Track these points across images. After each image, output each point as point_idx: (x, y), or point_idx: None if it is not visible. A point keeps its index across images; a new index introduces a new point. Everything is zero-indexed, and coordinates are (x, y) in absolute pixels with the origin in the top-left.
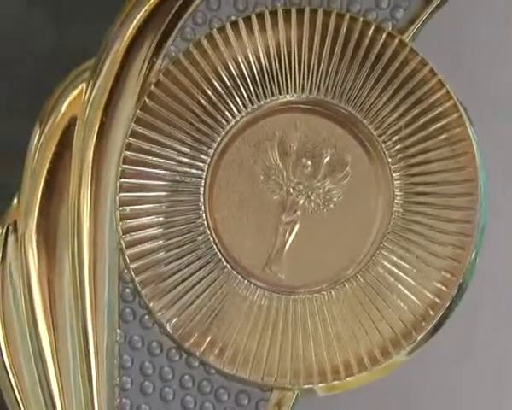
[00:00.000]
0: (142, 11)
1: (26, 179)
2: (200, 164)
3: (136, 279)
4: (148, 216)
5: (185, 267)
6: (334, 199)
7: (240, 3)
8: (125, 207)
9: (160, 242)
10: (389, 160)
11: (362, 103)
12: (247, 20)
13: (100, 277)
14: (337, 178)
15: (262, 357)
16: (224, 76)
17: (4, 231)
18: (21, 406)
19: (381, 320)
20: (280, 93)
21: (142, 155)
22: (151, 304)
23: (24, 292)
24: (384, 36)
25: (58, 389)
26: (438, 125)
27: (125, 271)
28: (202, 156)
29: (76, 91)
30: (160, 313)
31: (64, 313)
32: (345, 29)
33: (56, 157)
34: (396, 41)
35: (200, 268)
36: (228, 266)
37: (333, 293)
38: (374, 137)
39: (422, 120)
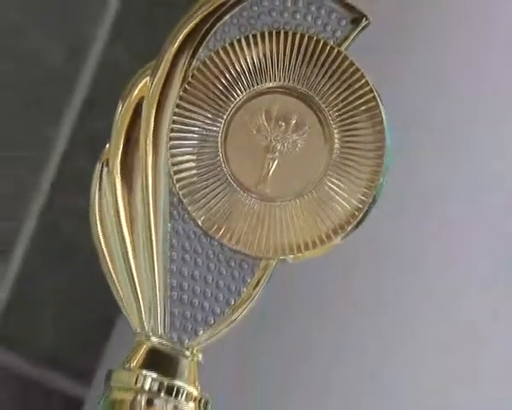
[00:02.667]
0: (185, 31)
1: (114, 135)
2: (218, 124)
3: (180, 192)
4: (186, 155)
5: (209, 186)
6: (298, 145)
7: (242, 29)
8: (173, 150)
9: (194, 171)
10: (331, 122)
11: (315, 88)
12: (247, 37)
13: (158, 194)
14: (299, 133)
15: (256, 239)
16: (232, 71)
17: (100, 165)
18: (116, 282)
19: (327, 218)
20: (265, 81)
21: (183, 119)
22: (189, 208)
23: (113, 208)
24: (328, 48)
25: (135, 267)
26: (360, 101)
27: (173, 188)
28: (219, 119)
29: (143, 81)
30: (193, 213)
31: (137, 220)
32: (305, 43)
33: (131, 121)
34: (335, 50)
35: (219, 186)
36: (235, 185)
37: (297, 201)
38: (322, 108)
39: (351, 98)
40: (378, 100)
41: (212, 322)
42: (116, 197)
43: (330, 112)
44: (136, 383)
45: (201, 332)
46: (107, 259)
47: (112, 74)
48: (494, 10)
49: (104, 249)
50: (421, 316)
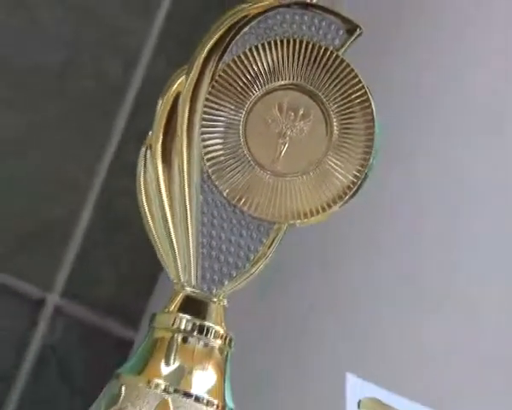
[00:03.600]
0: (213, 39)
1: (155, 124)
2: (240, 115)
3: (209, 170)
4: (214, 140)
5: (233, 164)
6: (304, 131)
7: (259, 37)
8: (204, 136)
9: (220, 152)
10: (331, 113)
11: (318, 85)
12: (263, 45)
13: (191, 171)
14: (305, 122)
15: (270, 208)
16: (251, 72)
17: (145, 149)
18: (158, 243)
19: (327, 190)
20: (278, 80)
21: (212, 110)
22: (216, 182)
23: (155, 183)
24: (329, 52)
25: (173, 230)
26: (354, 95)
27: (204, 167)
28: (241, 111)
29: (180, 80)
30: (220, 187)
31: (174, 192)
32: (310, 49)
33: (170, 112)
34: (334, 55)
35: (240, 165)
36: (253, 164)
37: (304, 177)
38: (324, 101)
39: (347, 93)
40: (369, 95)
41: (235, 275)
42: (157, 174)
43: (330, 104)
44: (173, 324)
45: (226, 283)
46: (151, 224)
47: (156, 81)
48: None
49: (148, 216)
50: None
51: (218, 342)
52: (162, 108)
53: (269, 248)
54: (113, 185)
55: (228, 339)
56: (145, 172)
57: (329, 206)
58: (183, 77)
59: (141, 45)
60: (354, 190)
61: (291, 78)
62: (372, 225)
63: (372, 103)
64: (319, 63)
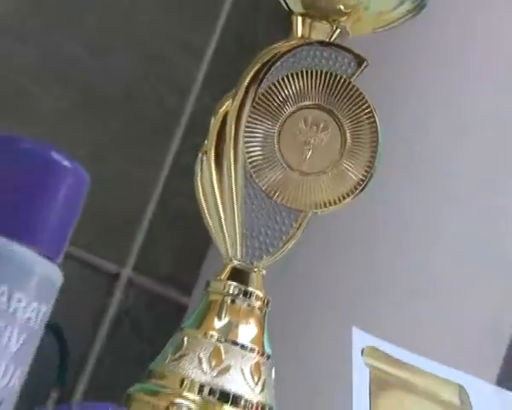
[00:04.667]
0: (253, 70)
1: (209, 135)
2: (274, 128)
3: (251, 170)
4: (255, 147)
5: (269, 166)
6: (324, 140)
7: (289, 69)
8: (247, 145)
9: (260, 156)
10: (345, 126)
11: (335, 105)
12: (292, 74)
13: (237, 171)
14: (325, 133)
15: (298, 199)
16: (282, 95)
17: (201, 155)
18: (211, 225)
19: (342, 186)
20: (303, 101)
21: (253, 125)
22: (256, 180)
23: (209, 180)
24: (343, 80)
25: (223, 216)
26: (363, 113)
27: (247, 167)
28: (275, 125)
29: (227, 102)
30: (259, 183)
31: (224, 187)
32: (328, 77)
33: (220, 126)
34: (347, 82)
35: (275, 166)
36: (285, 165)
37: (324, 175)
38: (339, 117)
39: (357, 112)
40: (374, 112)
41: (271, 251)
42: (211, 173)
43: (344, 120)
44: (224, 289)
45: (264, 257)
46: (206, 212)
47: (203, 108)
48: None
49: (204, 205)
50: None
51: (258, 303)
52: (214, 123)
53: (297, 230)
54: (171, 187)
55: (266, 301)
56: (202, 172)
57: (344, 198)
58: (230, 100)
59: (192, 79)
60: (363, 185)
61: (314, 99)
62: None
63: (376, 119)
64: (335, 88)
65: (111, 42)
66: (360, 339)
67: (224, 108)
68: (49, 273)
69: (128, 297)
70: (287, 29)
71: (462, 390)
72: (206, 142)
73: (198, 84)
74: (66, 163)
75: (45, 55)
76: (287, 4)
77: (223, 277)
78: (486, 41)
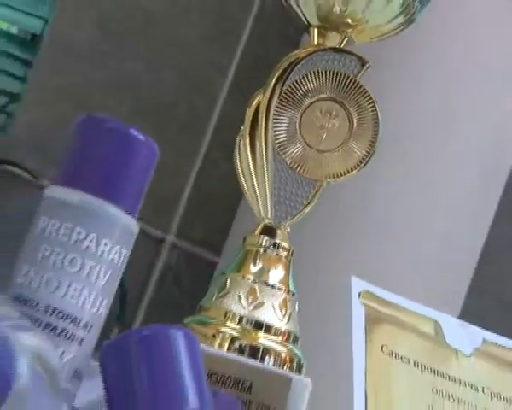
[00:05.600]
0: (279, 71)
1: (245, 122)
2: (297, 116)
3: (278, 149)
4: (281, 131)
5: (293, 145)
6: (336, 125)
7: (306, 69)
8: (275, 129)
9: (284, 137)
10: (352, 114)
11: (345, 97)
12: (310, 73)
13: (268, 151)
14: (336, 119)
15: (316, 171)
16: (302, 90)
17: (238, 139)
18: (247, 192)
19: (350, 161)
20: (319, 95)
21: (279, 114)
22: (283, 156)
23: (245, 159)
24: (350, 78)
25: (256, 184)
26: (367, 104)
27: (275, 147)
28: (297, 114)
29: (258, 96)
30: (285, 159)
31: (257, 163)
32: (339, 76)
33: (254, 115)
34: (354, 80)
35: (297, 145)
36: (305, 145)
37: (335, 152)
38: (347, 107)
39: (362, 103)
40: (375, 103)
41: (294, 212)
42: (247, 152)
43: (352, 109)
44: (257, 242)
45: (289, 217)
46: (243, 182)
47: (231, 111)
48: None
49: (242, 177)
50: None
51: (285, 252)
52: (249, 113)
53: (314, 196)
54: (204, 172)
55: (291, 251)
56: (239, 152)
57: (352, 170)
58: (261, 95)
59: (219, 89)
60: (366, 161)
61: (327, 93)
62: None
63: (377, 108)
64: (345, 84)
65: (161, 61)
66: (357, 285)
67: (255, 101)
68: (129, 224)
69: (171, 257)
70: (294, 47)
71: (436, 324)
72: (242, 128)
73: (224, 93)
74: (141, 137)
75: (111, 72)
76: (306, 19)
77: (256, 232)
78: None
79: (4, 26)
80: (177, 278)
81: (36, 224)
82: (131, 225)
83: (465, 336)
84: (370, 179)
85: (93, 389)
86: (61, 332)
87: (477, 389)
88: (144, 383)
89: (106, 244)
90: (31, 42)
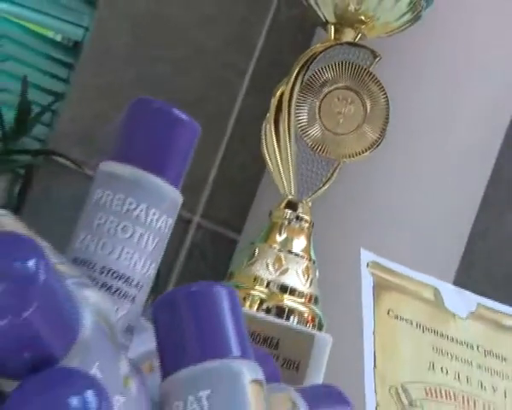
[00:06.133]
0: (301, 63)
1: (271, 109)
2: (317, 103)
3: (300, 132)
4: (302, 116)
5: (313, 128)
6: (351, 111)
7: (324, 61)
8: (297, 114)
9: (306, 121)
10: (366, 101)
11: (359, 85)
12: (328, 65)
13: (291, 133)
14: (352, 105)
15: (334, 151)
16: (321, 80)
17: (264, 124)
18: (272, 169)
19: (364, 142)
20: (336, 84)
21: (301, 102)
22: (304, 138)
23: (270, 140)
24: (364, 68)
25: (280, 162)
26: (378, 92)
27: (297, 130)
28: (316, 101)
29: (283, 86)
30: (307, 140)
31: (281, 144)
32: (353, 67)
33: (278, 103)
34: (367, 70)
35: (317, 128)
36: (324, 128)
37: (351, 135)
38: (362, 95)
39: (374, 91)
40: (385, 91)
41: (315, 188)
42: (272, 135)
43: (365, 96)
44: (282, 215)
45: (310, 193)
46: (269, 162)
47: (250, 105)
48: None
49: (267, 158)
50: None
51: (307, 224)
52: (273, 101)
53: (332, 174)
54: (227, 159)
55: (312, 223)
56: (265, 135)
57: (365, 151)
58: (284, 85)
59: (239, 89)
60: (378, 143)
61: (343, 82)
62: None
63: (387, 95)
64: (359, 74)
65: (187, 64)
66: (366, 256)
67: (279, 91)
68: (174, 196)
69: (197, 236)
70: (304, 51)
71: (436, 291)
72: (268, 115)
73: (242, 92)
74: (184, 117)
75: (143, 73)
76: (324, 16)
77: (281, 207)
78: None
79: (50, 33)
80: (202, 254)
81: (91, 196)
82: (176, 196)
83: (461, 301)
84: (378, 158)
85: (143, 343)
86: (116, 291)
87: (472, 348)
88: (192, 333)
89: (154, 214)
90: (73, 47)
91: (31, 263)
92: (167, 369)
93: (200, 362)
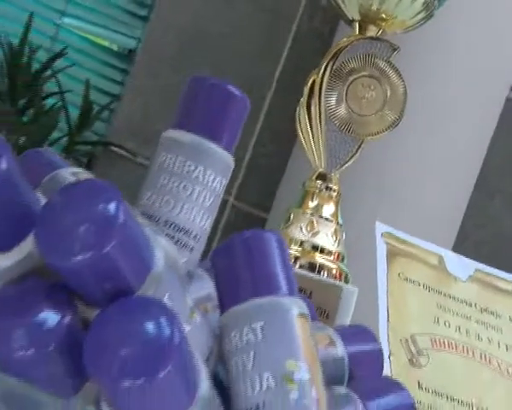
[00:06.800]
0: (330, 55)
1: (304, 95)
2: (344, 88)
3: (328, 114)
4: (331, 99)
5: (341, 112)
6: (373, 95)
7: (350, 54)
8: (327, 98)
9: (334, 105)
10: (387, 87)
11: (380, 74)
12: (352, 57)
13: (322, 115)
14: (374, 91)
15: (358, 131)
16: (346, 70)
17: (298, 108)
18: (304, 145)
19: (386, 121)
20: (361, 72)
21: (330, 88)
22: (332, 119)
23: (303, 121)
24: (385, 59)
25: (311, 138)
26: (396, 79)
27: (327, 111)
28: (344, 87)
29: (313, 76)
30: (334, 121)
31: (312, 123)
32: (375, 58)
33: (310, 88)
34: (387, 61)
35: (344, 111)
36: (350, 111)
37: (374, 115)
38: (383, 82)
39: (393, 78)
40: (404, 80)
41: (341, 163)
42: (305, 117)
43: (385, 84)
44: (314, 185)
45: (337, 166)
46: (302, 138)
47: (277, 106)
48: None
49: (301, 135)
50: None
51: (335, 193)
52: (306, 87)
53: (357, 150)
54: (256, 151)
55: (339, 192)
56: (299, 118)
57: (385, 130)
58: (315, 74)
59: (265, 94)
60: (396, 123)
61: (367, 71)
62: None
63: (405, 83)
64: (380, 64)
65: (223, 68)
66: (380, 227)
67: (311, 79)
68: (227, 160)
69: (231, 216)
70: (322, 57)
71: (440, 257)
72: (301, 100)
73: (271, 92)
74: (237, 92)
75: (187, 76)
76: (350, 15)
77: (313, 178)
78: None
79: (107, 43)
80: (237, 232)
81: (156, 159)
82: (229, 160)
83: (461, 266)
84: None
85: (200, 289)
86: (177, 241)
87: (470, 305)
88: (246, 274)
89: (210, 175)
90: (127, 55)
91: (111, 205)
92: (225, 305)
93: (253, 298)
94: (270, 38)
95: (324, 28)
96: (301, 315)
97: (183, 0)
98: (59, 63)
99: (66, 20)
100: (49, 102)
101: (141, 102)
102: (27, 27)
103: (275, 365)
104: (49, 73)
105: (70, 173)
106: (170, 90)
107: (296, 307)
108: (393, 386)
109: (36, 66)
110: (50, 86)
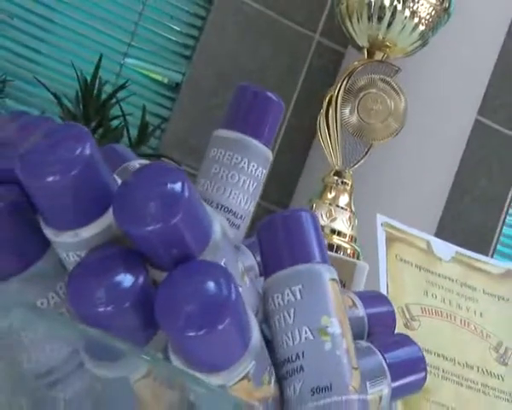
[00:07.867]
0: (345, 74)
1: (323, 107)
2: (356, 101)
3: (344, 117)
4: (346, 109)
5: (352, 117)
6: (380, 108)
7: (362, 74)
8: (342, 108)
9: (348, 113)
10: (391, 101)
11: (385, 90)
12: (364, 76)
13: (338, 118)
14: (381, 104)
15: (366, 135)
16: (358, 86)
17: (319, 117)
18: (322, 144)
19: (391, 128)
20: (369, 89)
21: (344, 100)
22: (346, 126)
23: (323, 126)
24: (386, 80)
25: (329, 137)
26: (398, 95)
27: (341, 116)
28: (356, 100)
29: (330, 92)
30: (348, 128)
31: (331, 128)
32: (381, 78)
33: (328, 102)
34: (390, 80)
35: (355, 118)
36: (361, 118)
37: (384, 122)
38: (387, 97)
39: (395, 94)
40: (404, 96)
41: (355, 161)
42: (323, 124)
43: (390, 99)
44: (332, 180)
45: (351, 165)
46: (322, 144)
47: (300, 113)
48: None
49: (321, 141)
50: None
51: (349, 187)
52: (325, 101)
53: (366, 153)
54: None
55: (352, 186)
56: (320, 126)
57: (390, 136)
58: (332, 91)
59: (287, 106)
60: (398, 131)
61: (374, 88)
62: None
63: (406, 98)
64: (385, 83)
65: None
66: (380, 218)
67: (329, 94)
68: (267, 153)
69: (257, 213)
70: (334, 78)
71: (428, 242)
72: (321, 110)
73: (291, 107)
74: (274, 97)
75: (225, 101)
76: (360, 42)
77: (331, 174)
78: None
79: (159, 78)
80: None
81: (208, 153)
82: (268, 154)
83: (445, 249)
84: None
85: (246, 260)
86: (227, 221)
87: (452, 281)
88: (286, 244)
89: (253, 166)
90: (175, 87)
91: (178, 184)
92: (269, 271)
93: (293, 265)
94: (287, 73)
95: (329, 65)
96: (332, 280)
97: (219, 43)
98: (122, 93)
99: (128, 60)
100: (114, 123)
101: (184, 123)
102: (97, 66)
103: (312, 320)
104: (114, 101)
105: (139, 164)
106: (207, 114)
107: (328, 273)
108: (406, 341)
109: (104, 96)
110: (115, 112)
